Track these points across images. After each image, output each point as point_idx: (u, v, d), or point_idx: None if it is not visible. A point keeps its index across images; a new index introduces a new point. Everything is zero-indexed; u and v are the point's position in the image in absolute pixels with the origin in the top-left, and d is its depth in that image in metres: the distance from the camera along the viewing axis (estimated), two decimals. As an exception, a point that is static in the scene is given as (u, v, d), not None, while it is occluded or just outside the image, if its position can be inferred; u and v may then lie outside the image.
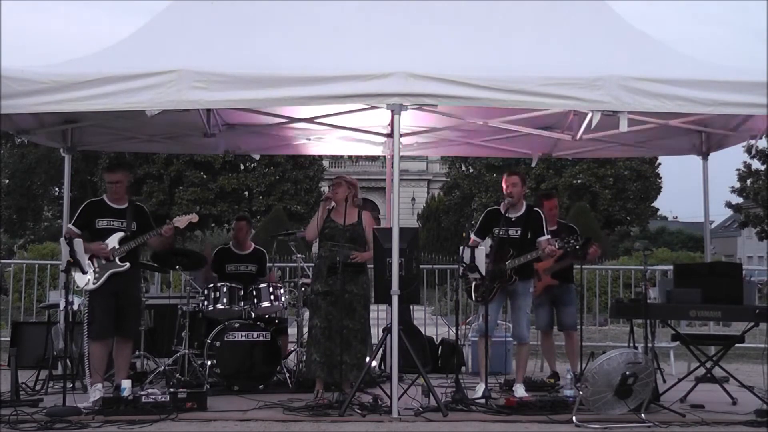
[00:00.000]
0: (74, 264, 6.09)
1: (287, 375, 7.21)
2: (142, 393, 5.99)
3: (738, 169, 33.96)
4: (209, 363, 6.98)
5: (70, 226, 6.55)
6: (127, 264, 6.46)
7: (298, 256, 7.67)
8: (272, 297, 7.39)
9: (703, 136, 8.14)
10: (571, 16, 7.18)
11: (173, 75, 5.94)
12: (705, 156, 8.27)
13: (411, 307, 8.63)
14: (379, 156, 9.55)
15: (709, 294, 6.43)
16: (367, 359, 6.60)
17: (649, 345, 6.43)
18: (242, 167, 33.84)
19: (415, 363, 6.34)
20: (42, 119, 7.24)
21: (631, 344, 6.81)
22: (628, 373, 5.69)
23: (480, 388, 6.52)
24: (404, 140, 7.55)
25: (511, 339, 7.39)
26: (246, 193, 34.27)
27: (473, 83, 6.05)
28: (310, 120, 7.88)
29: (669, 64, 6.56)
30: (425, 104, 6.49)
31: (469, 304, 7.95)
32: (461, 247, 6.64)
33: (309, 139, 8.71)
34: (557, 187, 30.64)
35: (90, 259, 6.34)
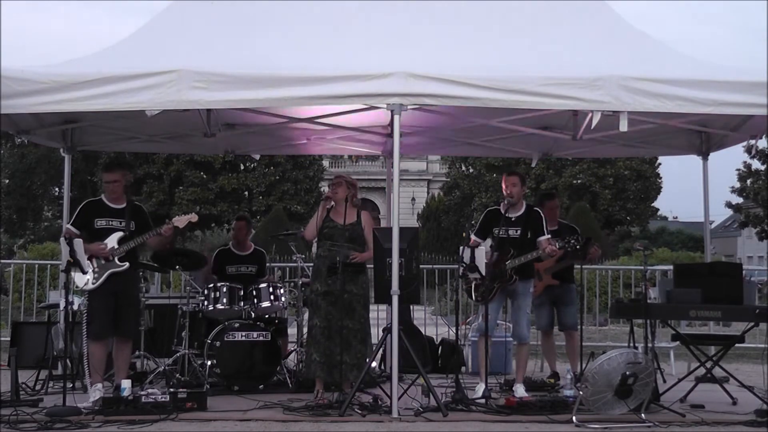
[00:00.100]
0: (74, 264, 6.09)
1: (287, 375, 7.21)
2: (142, 393, 5.99)
3: (738, 169, 33.99)
4: (209, 363, 6.98)
5: (68, 226, 6.54)
6: (127, 264, 6.46)
7: (298, 256, 7.67)
8: (272, 297, 7.39)
9: (703, 136, 8.14)
10: (571, 16, 7.18)
11: (173, 75, 5.94)
12: (705, 156, 8.26)
13: (411, 307, 8.63)
14: (379, 156, 9.55)
15: (709, 294, 6.43)
16: (368, 359, 6.60)
17: (649, 345, 6.43)
18: (242, 167, 33.86)
19: (415, 363, 6.34)
20: (42, 119, 7.24)
21: (631, 344, 6.81)
22: (628, 373, 5.69)
23: (480, 388, 6.52)
24: (404, 140, 7.53)
25: (511, 339, 7.39)
26: (246, 193, 34.28)
27: (473, 83, 6.05)
28: (310, 120, 7.88)
29: (669, 64, 6.56)
30: (425, 104, 6.49)
31: (469, 304, 7.95)
32: (461, 247, 6.64)
33: (309, 139, 8.71)
34: (557, 187, 30.64)
35: (89, 259, 6.33)
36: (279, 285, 7.58)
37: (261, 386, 6.98)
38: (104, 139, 8.30)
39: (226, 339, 7.05)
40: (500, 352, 7.89)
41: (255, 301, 7.34)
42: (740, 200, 35.10)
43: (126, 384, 6.04)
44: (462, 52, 6.62)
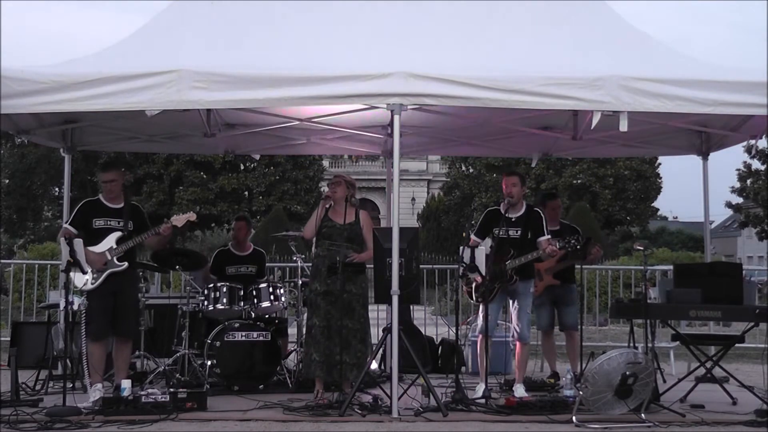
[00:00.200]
0: (74, 264, 6.09)
1: (287, 375, 7.21)
2: (142, 393, 5.99)
3: (738, 169, 33.98)
4: (209, 363, 6.98)
5: (66, 226, 6.53)
6: (126, 263, 6.46)
7: (298, 256, 7.67)
8: (272, 297, 7.40)
9: (703, 136, 8.15)
10: (571, 16, 7.17)
11: (173, 75, 5.94)
12: (705, 156, 8.27)
13: (411, 307, 8.63)
14: (379, 156, 9.55)
15: (709, 294, 6.43)
16: (368, 359, 6.60)
17: (649, 345, 6.44)
18: (242, 167, 33.85)
19: (415, 363, 6.34)
20: (42, 119, 7.24)
21: (631, 344, 6.81)
22: (628, 373, 5.69)
23: (480, 388, 6.52)
24: (404, 140, 7.54)
25: (511, 339, 7.39)
26: (246, 193, 34.28)
27: (473, 83, 6.06)
28: (310, 120, 7.88)
29: (669, 64, 6.56)
30: (425, 104, 6.49)
31: (469, 304, 7.95)
32: (461, 247, 6.64)
33: (309, 139, 8.72)
34: (557, 187, 30.65)
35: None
36: (279, 285, 7.58)
37: (261, 386, 6.98)
38: (104, 139, 8.31)
39: (226, 339, 7.05)
40: (500, 352, 7.89)
41: (255, 301, 7.34)
42: (740, 200, 35.09)
43: (126, 384, 6.04)
44: (462, 52, 6.62)
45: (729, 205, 35.32)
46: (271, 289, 7.42)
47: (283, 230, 8.46)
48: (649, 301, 6.79)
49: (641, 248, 7.31)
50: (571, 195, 31.49)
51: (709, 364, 6.81)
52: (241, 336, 7.08)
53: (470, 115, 7.50)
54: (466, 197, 34.76)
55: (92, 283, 6.33)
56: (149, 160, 32.35)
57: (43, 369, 7.20)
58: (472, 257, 6.51)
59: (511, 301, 6.87)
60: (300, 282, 7.50)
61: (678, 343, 7.51)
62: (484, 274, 6.52)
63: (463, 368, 8.01)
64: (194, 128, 7.69)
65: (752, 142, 7.58)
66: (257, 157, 10.78)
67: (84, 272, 6.21)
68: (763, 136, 7.37)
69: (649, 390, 5.86)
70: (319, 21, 6.96)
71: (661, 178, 34.63)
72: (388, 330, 6.35)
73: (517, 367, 6.89)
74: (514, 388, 6.74)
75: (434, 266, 11.36)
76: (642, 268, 7.06)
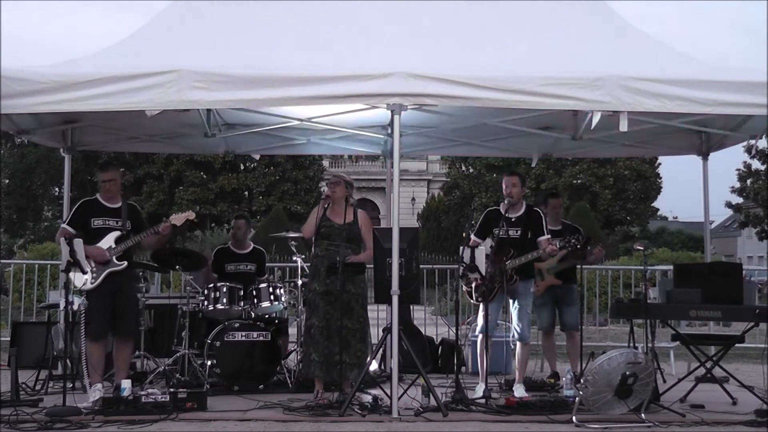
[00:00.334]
0: (74, 264, 6.09)
1: (287, 375, 7.21)
2: (142, 393, 5.99)
3: (738, 169, 34.00)
4: (209, 363, 6.98)
5: (64, 226, 6.53)
6: (125, 263, 6.46)
7: (298, 256, 7.67)
8: (272, 297, 7.40)
9: (703, 136, 8.15)
10: (571, 16, 7.18)
11: (173, 75, 5.94)
12: (705, 156, 8.27)
13: (411, 307, 8.63)
14: (379, 156, 9.55)
15: (709, 294, 6.43)
16: (368, 359, 6.61)
17: (649, 345, 6.43)
18: (242, 167, 33.86)
19: (415, 363, 6.34)
20: (42, 119, 7.24)
21: (631, 344, 6.81)
22: (628, 373, 5.69)
23: (480, 388, 6.52)
24: (404, 140, 7.54)
25: (511, 339, 7.39)
26: (246, 193, 34.29)
27: (473, 83, 6.05)
28: (310, 120, 7.88)
29: (669, 64, 6.56)
30: (425, 104, 6.49)
31: (469, 304, 7.95)
32: (461, 247, 6.64)
33: (309, 139, 8.72)
34: (557, 187, 30.63)
35: (87, 258, 6.33)
36: (279, 285, 7.58)
37: (261, 386, 6.98)
38: (104, 139, 8.31)
39: (226, 339, 7.05)
40: (500, 352, 7.89)
41: (255, 301, 7.34)
42: (740, 200, 35.10)
43: (126, 384, 6.04)
44: (462, 52, 6.62)
45: (729, 205, 35.34)
46: (271, 289, 7.42)
47: (283, 230, 8.46)
48: (649, 301, 6.78)
49: (641, 248, 7.31)
50: (571, 195, 31.48)
51: (709, 364, 6.81)
52: (241, 336, 7.08)
53: (470, 115, 7.50)
54: (466, 197, 34.77)
55: (92, 283, 6.33)
56: (149, 160, 32.35)
57: (43, 369, 7.19)
58: (472, 257, 6.51)
59: (511, 301, 6.87)
60: (300, 282, 7.50)
61: (678, 343, 7.51)
62: (484, 274, 6.52)
63: (463, 368, 8.00)
64: (194, 128, 7.69)
65: (752, 142, 7.57)
66: (257, 157, 10.81)
67: (84, 272, 6.21)
68: (763, 136, 7.37)
69: (649, 390, 5.86)
70: (319, 21, 6.96)
71: (661, 178, 34.65)
72: (388, 330, 6.35)
73: (518, 367, 6.89)
74: (514, 388, 6.74)
75: (434, 266, 11.36)
76: (642, 268, 7.06)
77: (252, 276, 7.84)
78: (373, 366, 7.09)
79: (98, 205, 6.56)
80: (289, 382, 7.12)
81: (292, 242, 7.87)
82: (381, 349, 7.09)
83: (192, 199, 31.61)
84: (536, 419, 5.86)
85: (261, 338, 7.10)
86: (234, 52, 6.53)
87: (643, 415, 5.76)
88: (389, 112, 6.22)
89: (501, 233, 6.72)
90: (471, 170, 35.52)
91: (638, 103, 6.04)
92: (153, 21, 7.27)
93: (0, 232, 31.21)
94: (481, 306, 6.68)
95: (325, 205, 6.66)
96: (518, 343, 6.87)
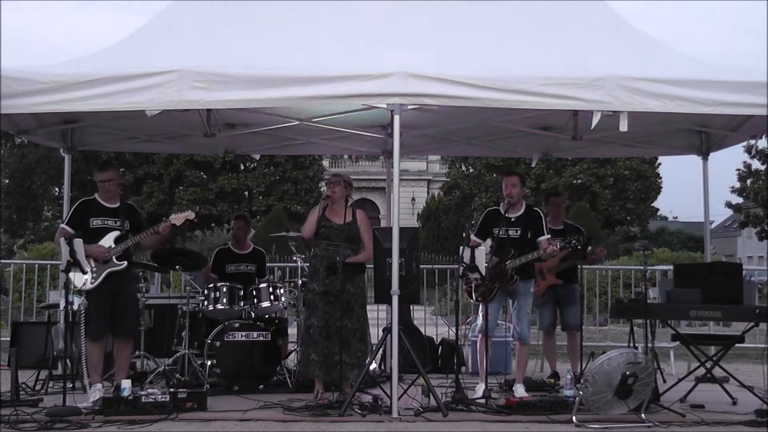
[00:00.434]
0: (74, 264, 6.09)
1: (287, 375, 7.21)
2: (142, 393, 5.99)
3: (738, 169, 33.98)
4: (209, 363, 6.98)
5: (63, 226, 6.52)
6: (125, 262, 6.47)
7: (298, 256, 7.67)
8: (272, 297, 7.40)
9: (703, 136, 8.15)
10: (570, 16, 7.17)
11: (173, 75, 5.94)
12: (705, 156, 8.27)
13: (411, 307, 8.63)
14: (379, 156, 9.55)
15: (709, 294, 6.43)
16: (367, 360, 6.61)
17: (649, 345, 6.43)
18: (242, 167, 33.85)
19: (415, 363, 6.34)
20: (42, 119, 7.24)
21: (631, 344, 6.81)
22: (628, 373, 5.69)
23: (480, 388, 6.52)
24: (404, 140, 7.54)
25: (511, 339, 7.39)
26: (246, 193, 34.28)
27: (473, 83, 6.05)
28: (310, 120, 7.88)
29: (669, 64, 6.56)
30: (425, 104, 6.48)
31: (469, 304, 7.95)
32: (461, 247, 6.64)
33: (309, 139, 8.72)
34: (557, 187, 30.62)
35: (87, 258, 6.33)
36: (279, 285, 7.58)
37: (261, 386, 6.98)
38: (104, 139, 8.31)
39: (226, 339, 7.05)
40: (500, 352, 7.89)
41: (255, 301, 7.34)
42: (740, 200, 35.08)
43: (126, 384, 6.04)
44: (462, 52, 6.62)
45: (729, 205, 35.33)
46: (271, 289, 7.42)
47: (283, 230, 8.46)
48: (649, 301, 6.78)
49: (641, 248, 7.31)
50: (571, 195, 31.45)
51: (709, 364, 6.81)
52: (241, 336, 7.09)
53: (470, 115, 7.50)
54: (466, 197, 34.76)
55: (92, 283, 6.33)
56: (149, 160, 32.34)
57: (43, 369, 7.19)
58: (472, 257, 6.51)
59: (510, 301, 6.87)
60: (300, 282, 7.50)
61: (678, 343, 7.51)
62: (484, 274, 6.52)
63: (463, 368, 8.01)
64: (194, 128, 7.69)
65: (752, 142, 7.58)
66: (257, 157, 10.79)
67: (84, 272, 6.21)
68: (763, 136, 7.37)
69: (649, 390, 5.86)
70: (318, 21, 6.95)
71: (661, 178, 34.64)
72: (388, 330, 6.35)
73: (517, 367, 6.89)
74: (514, 388, 6.74)
75: (434, 266, 11.36)
76: (642, 268, 7.06)
77: (252, 276, 7.84)
78: (373, 366, 7.09)
79: (97, 205, 6.56)
80: (289, 382, 7.12)
81: (292, 242, 7.87)
82: (381, 349, 7.09)
83: (192, 199, 31.60)
84: (536, 419, 5.86)
85: (261, 338, 7.10)
86: (234, 52, 6.52)
87: (643, 415, 5.76)
88: (389, 112, 6.21)
89: (501, 233, 6.72)
90: (471, 170, 35.50)
91: (638, 103, 6.04)
92: (153, 21, 7.27)
93: (0, 232, 31.20)
94: (481, 306, 6.68)
95: (325, 205, 6.67)
96: (518, 343, 6.87)
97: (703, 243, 9.21)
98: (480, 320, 6.73)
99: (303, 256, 7.67)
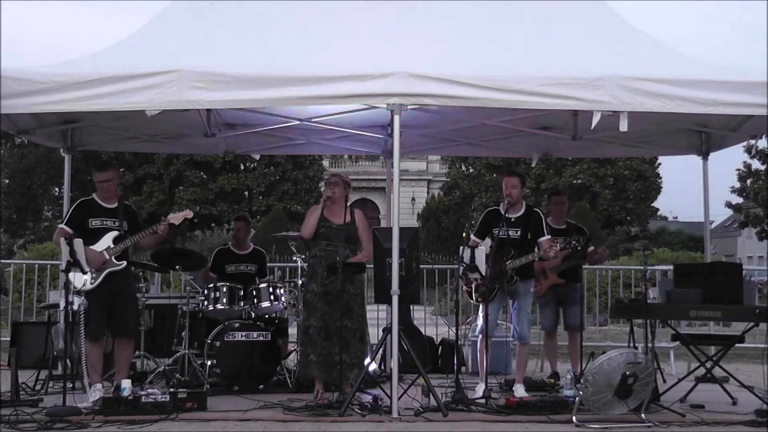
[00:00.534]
0: (74, 264, 6.09)
1: (287, 375, 7.22)
2: (142, 393, 5.99)
3: (738, 169, 33.98)
4: (209, 363, 6.98)
5: (62, 226, 6.50)
6: (124, 262, 6.47)
7: (298, 256, 7.67)
8: (272, 297, 7.40)
9: (703, 136, 8.15)
10: (570, 16, 7.17)
11: (173, 75, 5.94)
12: (705, 156, 8.27)
13: (411, 307, 8.63)
14: (379, 156, 9.55)
15: (709, 294, 6.43)
16: (367, 359, 6.61)
17: (649, 345, 6.43)
18: (242, 167, 33.83)
19: (415, 363, 6.34)
20: (42, 119, 7.23)
21: (631, 344, 6.80)
22: (628, 373, 5.69)
23: (480, 388, 6.52)
24: (404, 140, 7.55)
25: (511, 339, 7.39)
26: (246, 193, 34.26)
27: (473, 83, 6.05)
28: (310, 120, 7.88)
29: (669, 64, 6.56)
30: (425, 104, 6.49)
31: (469, 304, 7.95)
32: (461, 247, 6.64)
33: (309, 139, 8.72)
34: (557, 187, 30.61)
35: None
36: (279, 285, 7.58)
37: (261, 386, 6.99)
38: (104, 139, 8.31)
39: (226, 339, 7.05)
40: (500, 352, 7.89)
41: (255, 301, 7.34)
42: (740, 200, 35.08)
43: (126, 384, 6.04)
44: (462, 52, 6.62)
45: (729, 205, 35.33)
46: (271, 290, 7.42)
47: (283, 230, 8.46)
48: (649, 301, 6.78)
49: (641, 248, 7.31)
50: (571, 195, 31.39)
51: (709, 364, 6.81)
52: (241, 336, 7.09)
53: (470, 115, 7.50)
54: (466, 197, 34.75)
55: (91, 284, 6.33)
56: (149, 160, 32.33)
57: (43, 369, 7.20)
58: (472, 257, 6.51)
59: (510, 302, 6.87)
60: (300, 282, 7.50)
61: (678, 343, 7.51)
62: (484, 274, 6.52)
63: (463, 368, 8.01)
64: (194, 128, 7.69)
65: (752, 142, 7.58)
66: (257, 157, 10.80)
67: (84, 272, 6.21)
68: (763, 136, 7.37)
69: (649, 390, 5.86)
70: (319, 21, 6.96)
71: (661, 178, 34.62)
72: (388, 330, 6.35)
73: (517, 367, 6.89)
74: (514, 388, 6.75)
75: (434, 266, 11.36)
76: (642, 268, 7.06)
77: (252, 277, 7.85)
78: (373, 366, 7.09)
79: (95, 206, 6.55)
80: (289, 382, 7.12)
81: (292, 242, 7.87)
82: (381, 349, 7.09)
83: (192, 199, 31.58)
84: (536, 419, 5.86)
85: (261, 338, 7.10)
86: (234, 52, 6.53)
87: (643, 415, 5.76)
88: (389, 112, 6.22)
89: (501, 233, 6.72)
90: (471, 170, 35.49)
91: (638, 103, 6.04)
92: (153, 21, 7.27)
93: (0, 232, 31.20)
94: (481, 306, 6.68)
95: (325, 206, 6.65)
96: (518, 343, 6.87)
97: (703, 243, 9.21)
98: (480, 320, 6.73)
99: (303, 256, 7.67)
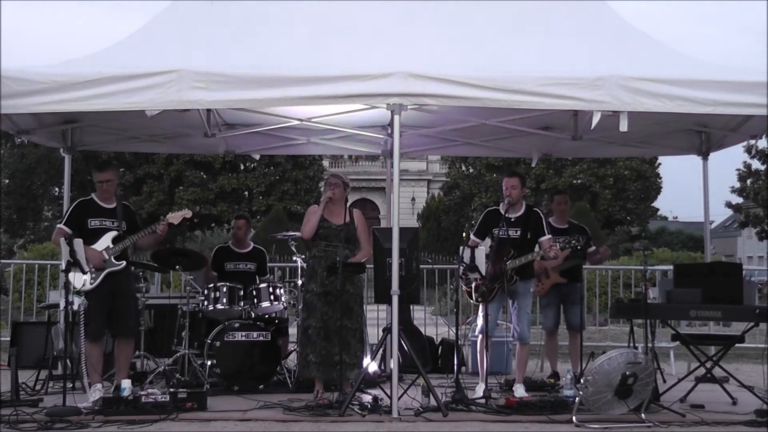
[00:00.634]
0: (74, 264, 6.08)
1: (287, 375, 7.22)
2: (142, 393, 5.99)
3: (738, 169, 33.98)
4: (209, 363, 6.98)
5: (61, 226, 6.49)
6: (123, 262, 6.46)
7: (298, 256, 7.67)
8: (272, 297, 7.40)
9: (703, 136, 8.15)
10: (570, 16, 7.18)
11: (173, 75, 5.94)
12: (705, 156, 8.27)
13: (411, 307, 8.63)
14: (379, 156, 9.55)
15: (709, 294, 6.43)
16: (366, 359, 6.61)
17: (649, 345, 6.43)
18: (242, 167, 33.83)
19: (415, 363, 6.34)
20: (42, 119, 7.23)
21: (631, 344, 6.80)
22: (628, 373, 5.69)
23: (480, 388, 6.52)
24: (404, 140, 7.56)
25: (511, 339, 7.39)
26: (246, 193, 34.26)
27: (473, 83, 6.05)
28: (310, 120, 7.88)
29: (669, 64, 6.56)
30: (425, 104, 6.49)
31: (469, 304, 7.95)
32: (461, 247, 6.64)
33: (309, 139, 8.72)
34: (557, 187, 30.61)
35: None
36: (279, 285, 7.58)
37: (261, 386, 6.98)
38: (104, 139, 8.31)
39: (226, 339, 7.05)
40: (500, 352, 7.89)
41: (255, 301, 7.34)
42: (740, 200, 35.08)
43: (126, 384, 6.04)
44: (462, 52, 6.62)
45: (729, 205, 35.33)
46: (270, 290, 7.42)
47: (283, 230, 8.46)
48: (649, 301, 6.78)
49: (641, 248, 7.31)
50: (571, 195, 31.31)
51: (709, 364, 6.81)
52: (241, 336, 7.09)
53: (470, 115, 7.50)
54: (466, 197, 34.75)
55: (91, 284, 6.32)
56: (149, 160, 32.33)
57: (43, 369, 7.19)
58: (472, 257, 6.51)
59: (510, 302, 6.87)
60: (300, 282, 7.50)
61: (678, 343, 7.51)
62: (484, 274, 6.52)
63: (463, 368, 8.00)
64: (194, 128, 7.69)
65: (752, 142, 7.58)
66: (257, 157, 10.80)
67: (84, 272, 6.20)
68: (763, 136, 7.37)
69: (649, 390, 5.86)
70: (319, 21, 6.96)
71: (661, 178, 34.62)
72: (388, 330, 6.35)
73: (517, 367, 6.89)
74: (514, 388, 6.75)
75: (434, 266, 11.36)
76: (642, 268, 7.06)
77: (252, 275, 7.84)
78: (373, 367, 7.09)
79: (94, 206, 6.54)
80: (289, 382, 7.12)
81: (293, 242, 7.87)
82: (381, 349, 7.09)
83: (192, 199, 31.58)
84: (536, 419, 5.86)
85: (261, 338, 7.10)
86: (234, 52, 6.53)
87: (643, 415, 5.76)
88: (389, 112, 6.22)
89: (501, 233, 6.72)
90: (471, 170, 35.49)
91: (638, 103, 6.04)
92: (153, 21, 7.26)
93: (0, 232, 31.20)
94: (481, 306, 6.68)
95: (325, 207, 6.65)
96: (518, 343, 6.87)
97: (703, 243, 9.21)
98: (480, 320, 6.73)
99: (303, 256, 7.67)
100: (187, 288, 7.55)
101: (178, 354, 7.13)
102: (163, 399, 5.92)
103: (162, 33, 6.99)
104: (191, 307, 7.26)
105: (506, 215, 6.73)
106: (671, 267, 8.46)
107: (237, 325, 7.14)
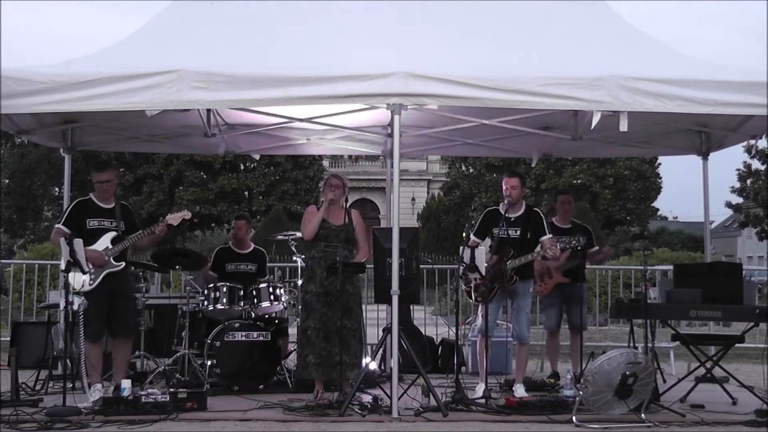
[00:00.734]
0: (74, 264, 6.08)
1: (287, 375, 7.22)
2: (142, 393, 5.99)
3: (738, 169, 33.99)
4: (209, 363, 6.98)
5: (59, 226, 6.47)
6: (123, 263, 6.46)
7: (298, 256, 7.67)
8: (272, 297, 7.40)
9: (703, 136, 8.15)
10: (571, 16, 7.18)
11: (173, 75, 5.94)
12: (705, 156, 8.27)
13: (411, 307, 8.63)
14: (379, 156, 9.56)
15: (709, 294, 6.43)
16: (365, 359, 6.61)
17: (649, 345, 6.43)
18: (242, 167, 33.84)
19: (415, 363, 6.34)
20: (42, 119, 7.23)
21: (631, 344, 6.81)
22: (628, 373, 5.69)
23: (480, 388, 6.52)
24: (404, 140, 7.55)
25: (511, 339, 7.39)
26: (246, 193, 34.27)
27: (473, 83, 6.05)
28: (310, 120, 7.88)
29: (669, 64, 6.56)
30: (425, 104, 6.48)
31: (469, 304, 7.96)
32: (461, 247, 6.64)
33: (309, 139, 8.72)
34: (557, 187, 30.62)
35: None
36: (279, 285, 7.58)
37: (261, 386, 6.98)
38: (104, 139, 8.30)
39: (226, 339, 7.05)
40: (500, 352, 7.89)
41: (255, 301, 7.34)
42: (740, 200, 35.09)
43: (126, 384, 6.04)
44: (462, 52, 6.62)
45: (729, 205, 35.34)
46: (271, 290, 7.42)
47: (283, 230, 8.46)
48: (649, 301, 6.79)
49: (641, 248, 7.31)
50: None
51: (709, 364, 6.81)
52: (241, 336, 7.09)
53: (470, 115, 7.49)
54: (466, 197, 34.76)
55: (90, 284, 6.32)
56: (149, 160, 32.33)
57: (43, 369, 7.19)
58: (472, 257, 6.51)
59: (510, 302, 6.87)
60: (300, 282, 7.50)
61: (678, 343, 7.51)
62: (483, 274, 6.52)
63: (463, 368, 8.01)
64: (194, 128, 7.69)
65: (752, 142, 7.58)
66: (257, 157, 10.80)
67: (84, 272, 6.20)
68: (763, 136, 7.37)
69: (649, 390, 5.86)
70: (319, 21, 6.96)
71: (661, 178, 34.64)
72: (388, 330, 6.35)
73: (517, 367, 6.89)
74: (514, 388, 6.75)
75: (434, 266, 11.36)
76: (642, 268, 7.06)
77: (252, 276, 7.84)
78: (373, 366, 7.09)
79: (93, 206, 6.53)
80: (289, 382, 7.12)
81: (293, 242, 7.87)
82: (381, 349, 7.09)
83: (192, 199, 31.59)
84: (536, 419, 5.86)
85: (261, 338, 7.10)
86: (234, 52, 6.53)
87: (643, 415, 5.76)
88: (389, 112, 6.22)
89: (501, 233, 6.72)
90: (471, 170, 35.50)
91: (638, 103, 6.04)
92: (153, 21, 7.27)
93: (0, 232, 31.20)
94: (481, 306, 6.68)
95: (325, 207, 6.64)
96: (517, 343, 6.87)
97: (703, 243, 9.21)
98: (480, 320, 6.73)
99: (303, 256, 7.67)
100: (187, 288, 7.55)
101: (178, 354, 7.13)
102: (163, 399, 5.92)
103: (162, 33, 6.99)
104: (191, 307, 7.26)
105: (506, 215, 6.73)
106: (671, 267, 8.47)
107: (237, 325, 7.14)
